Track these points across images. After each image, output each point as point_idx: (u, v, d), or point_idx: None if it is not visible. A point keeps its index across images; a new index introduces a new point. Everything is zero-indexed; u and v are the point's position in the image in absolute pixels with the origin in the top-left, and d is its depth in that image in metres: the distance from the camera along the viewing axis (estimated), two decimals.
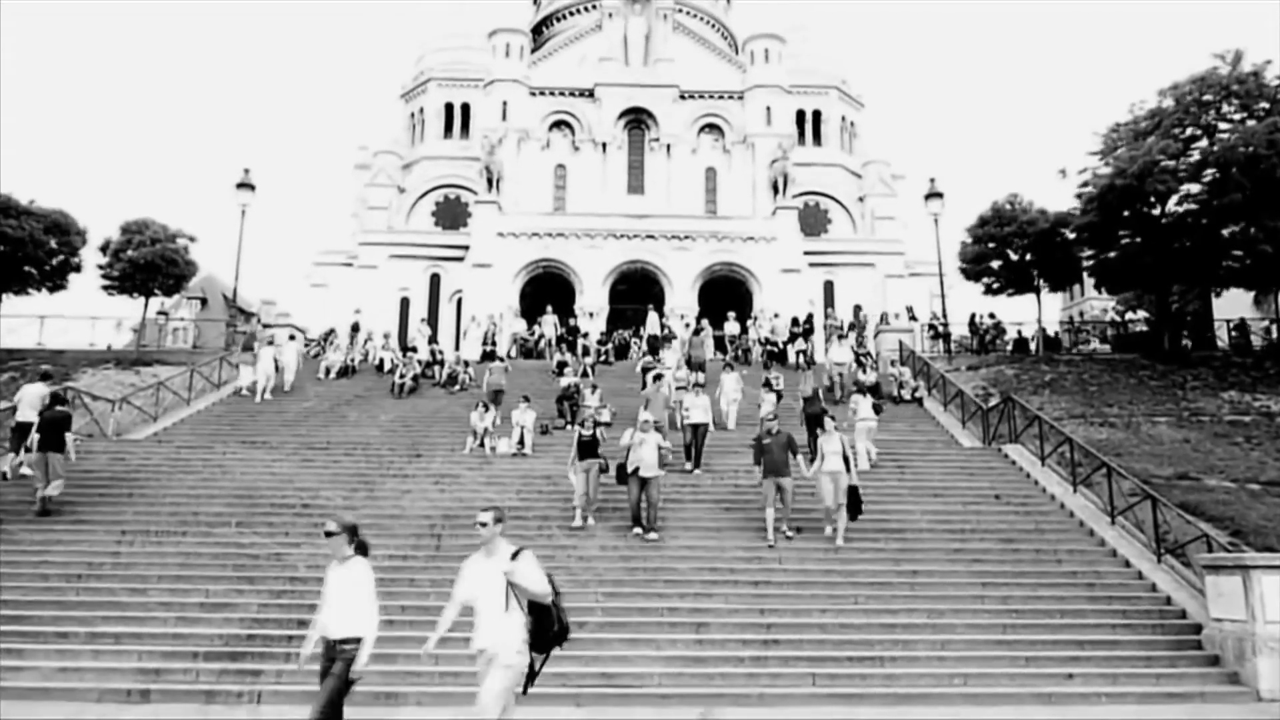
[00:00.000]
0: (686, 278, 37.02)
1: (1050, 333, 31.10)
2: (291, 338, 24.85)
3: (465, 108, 46.51)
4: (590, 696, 8.71)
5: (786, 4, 47.59)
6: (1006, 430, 17.55)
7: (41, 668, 8.96)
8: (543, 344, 29.17)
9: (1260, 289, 28.89)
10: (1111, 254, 26.28)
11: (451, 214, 44.90)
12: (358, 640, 5.80)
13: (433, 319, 38.31)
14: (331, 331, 27.63)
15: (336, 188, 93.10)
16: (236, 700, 8.40)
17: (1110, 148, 25.84)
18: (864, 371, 21.80)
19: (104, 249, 28.81)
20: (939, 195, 28.24)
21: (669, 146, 44.01)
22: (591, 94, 44.59)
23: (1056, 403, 20.84)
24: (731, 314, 30.98)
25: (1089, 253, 27.67)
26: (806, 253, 38.87)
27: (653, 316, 30.33)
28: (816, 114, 47.46)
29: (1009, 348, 28.65)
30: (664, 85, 44.45)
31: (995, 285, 29.65)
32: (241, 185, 27.84)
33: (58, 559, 11.66)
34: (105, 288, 28.92)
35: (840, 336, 24.02)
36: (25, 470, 14.59)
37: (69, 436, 13.57)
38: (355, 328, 27.73)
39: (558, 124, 44.83)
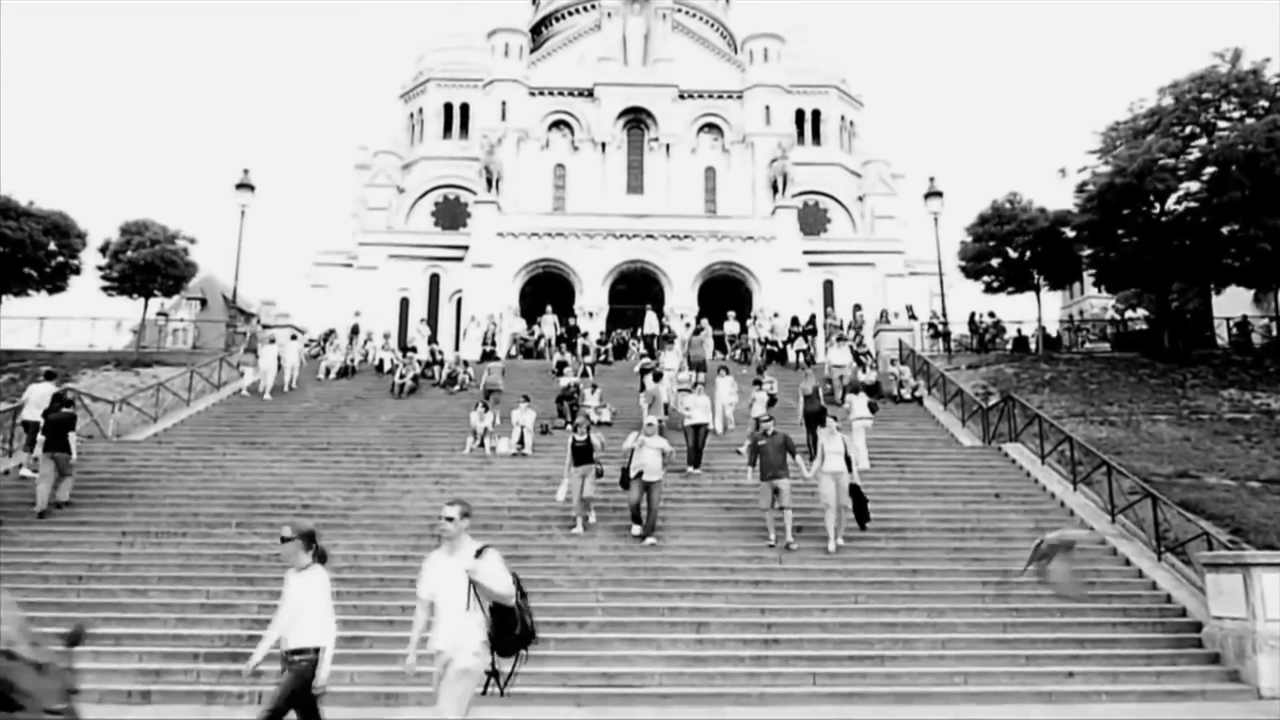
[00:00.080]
0: (686, 277, 37.01)
1: (1050, 331, 31.11)
2: (294, 337, 25.04)
3: (465, 108, 46.50)
4: (591, 696, 8.72)
5: (786, 3, 47.58)
6: (1006, 429, 17.55)
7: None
8: (542, 344, 29.17)
9: (1260, 287, 28.89)
10: (1111, 252, 26.28)
11: (451, 214, 44.88)
12: (313, 650, 5.59)
13: (432, 319, 38.30)
14: (331, 332, 27.63)
15: (336, 188, 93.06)
16: (237, 701, 8.40)
17: (1110, 146, 25.84)
18: (864, 371, 21.80)
19: (104, 250, 28.80)
20: (938, 194, 28.24)
21: (668, 146, 43.98)
22: (591, 94, 44.57)
23: (1056, 401, 20.84)
24: (731, 313, 30.98)
25: (1089, 251, 27.67)
26: (806, 252, 38.85)
27: (650, 316, 30.33)
28: (816, 113, 47.44)
29: (1009, 346, 28.66)
30: (663, 85, 44.42)
31: (995, 284, 29.65)
32: (241, 186, 27.83)
33: (58, 560, 11.66)
34: (105, 289, 28.92)
35: (840, 338, 24.01)
36: (25, 472, 14.65)
37: (72, 436, 13.65)
38: (355, 330, 27.72)
39: (557, 124, 44.81)
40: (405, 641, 9.75)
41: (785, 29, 46.24)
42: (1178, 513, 12.21)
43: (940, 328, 27.95)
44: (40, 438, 13.66)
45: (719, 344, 28.48)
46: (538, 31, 51.19)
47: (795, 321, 28.63)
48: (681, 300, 36.28)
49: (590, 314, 35.69)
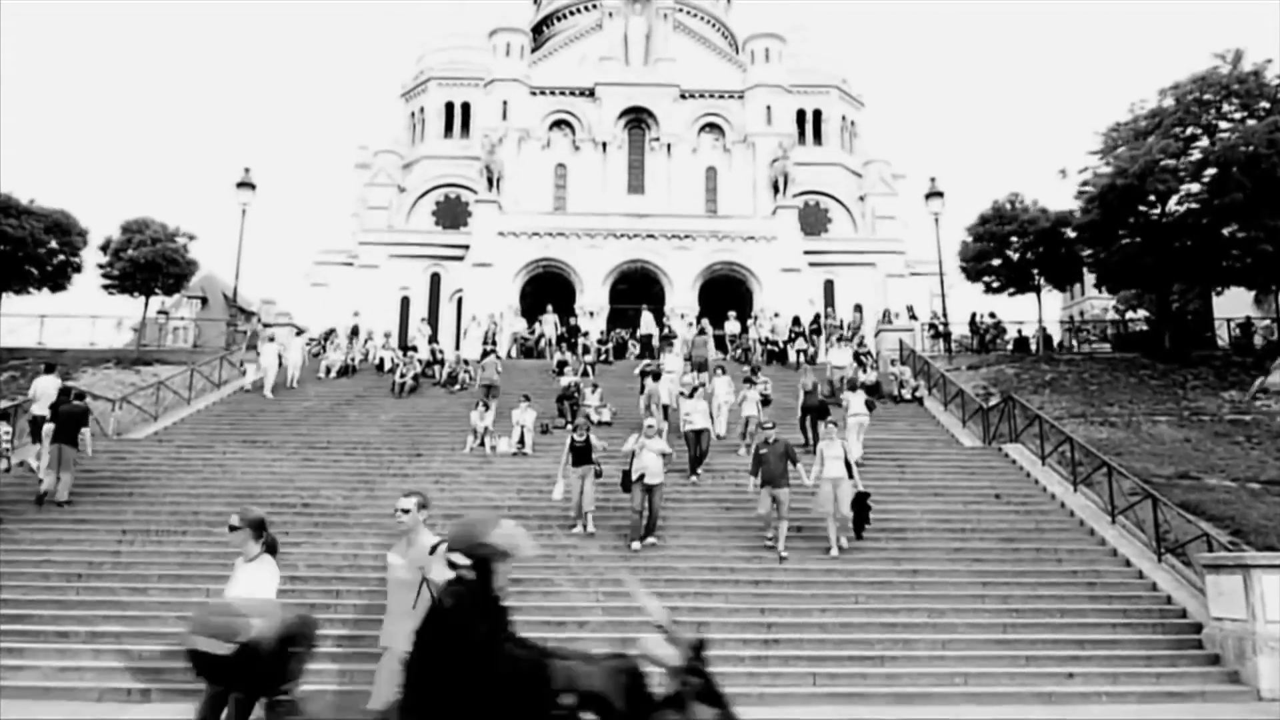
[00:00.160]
0: (687, 277, 37.00)
1: (1051, 332, 31.12)
2: (298, 334, 25.21)
3: (465, 107, 46.48)
4: None
5: (787, 3, 47.53)
6: (1007, 429, 17.55)
7: (42, 667, 8.96)
8: (543, 343, 29.18)
9: (1261, 288, 28.90)
10: (1112, 253, 26.28)
11: (452, 213, 44.87)
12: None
13: (433, 318, 38.30)
14: (332, 331, 27.64)
15: (337, 187, 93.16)
16: None
17: (1111, 147, 25.85)
18: (864, 371, 21.78)
19: (104, 248, 28.82)
20: (939, 194, 28.24)
21: (669, 146, 43.97)
22: (592, 93, 44.57)
23: (1057, 402, 20.83)
24: (732, 313, 30.97)
25: (1089, 252, 27.68)
26: (807, 252, 38.83)
27: (647, 316, 30.35)
28: (817, 113, 47.41)
29: (1009, 347, 28.66)
30: (664, 85, 44.41)
31: (996, 284, 29.66)
32: (242, 184, 27.86)
33: (58, 558, 11.67)
34: (106, 287, 28.94)
35: (840, 339, 24.00)
36: (33, 463, 14.79)
37: (85, 432, 13.82)
38: (355, 331, 27.70)
39: (558, 123, 44.80)
40: None
41: (786, 29, 46.22)
42: (1178, 514, 12.20)
43: (941, 328, 27.96)
44: (49, 428, 13.77)
45: (719, 344, 28.48)
46: (539, 31, 51.19)
47: (796, 321, 28.63)
48: (682, 300, 36.27)
49: (591, 313, 35.68)
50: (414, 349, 26.30)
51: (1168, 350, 25.77)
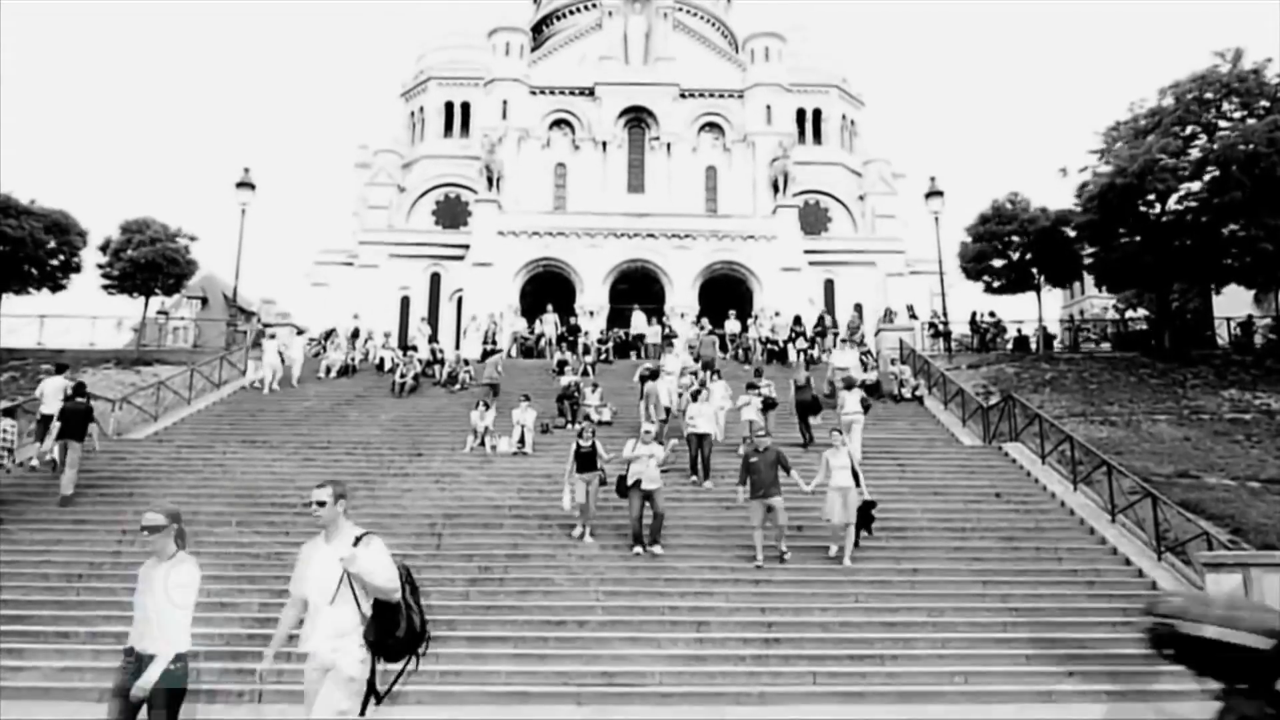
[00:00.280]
0: (687, 276, 37.01)
1: (1051, 331, 31.11)
2: (300, 333, 25.45)
3: (465, 106, 46.48)
4: (591, 695, 8.72)
5: (787, 3, 47.57)
6: (1007, 428, 17.55)
7: (42, 667, 8.96)
8: (543, 343, 29.21)
9: (1260, 287, 28.90)
10: (1112, 252, 26.27)
11: (452, 213, 44.87)
12: (181, 655, 4.93)
13: (433, 318, 38.31)
14: (332, 331, 27.65)
15: (337, 187, 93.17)
16: (237, 699, 8.41)
17: (1111, 146, 25.84)
18: (864, 370, 21.76)
19: (104, 248, 28.80)
20: (939, 194, 28.24)
21: (669, 145, 43.97)
22: (592, 93, 44.57)
23: (1057, 401, 20.84)
24: (732, 312, 31.00)
25: (1089, 251, 27.67)
26: (807, 251, 38.84)
27: (638, 317, 30.35)
28: (817, 112, 47.40)
29: (1009, 346, 28.66)
30: (664, 84, 44.41)
31: (996, 284, 29.65)
32: (241, 184, 27.85)
33: (58, 559, 11.67)
34: (105, 287, 28.92)
35: (843, 341, 23.97)
36: (35, 464, 14.90)
37: (92, 428, 14.09)
38: (355, 333, 27.67)
39: (558, 123, 44.80)
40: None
41: (786, 28, 46.24)
42: (1178, 513, 12.21)
43: (941, 327, 27.96)
44: (56, 425, 14.05)
45: (720, 343, 28.51)
46: (539, 30, 51.19)
47: (798, 320, 28.64)
48: (682, 299, 36.29)
49: (591, 313, 35.68)
50: (414, 349, 26.32)
51: (1168, 349, 25.77)
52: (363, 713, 4.80)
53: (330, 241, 44.07)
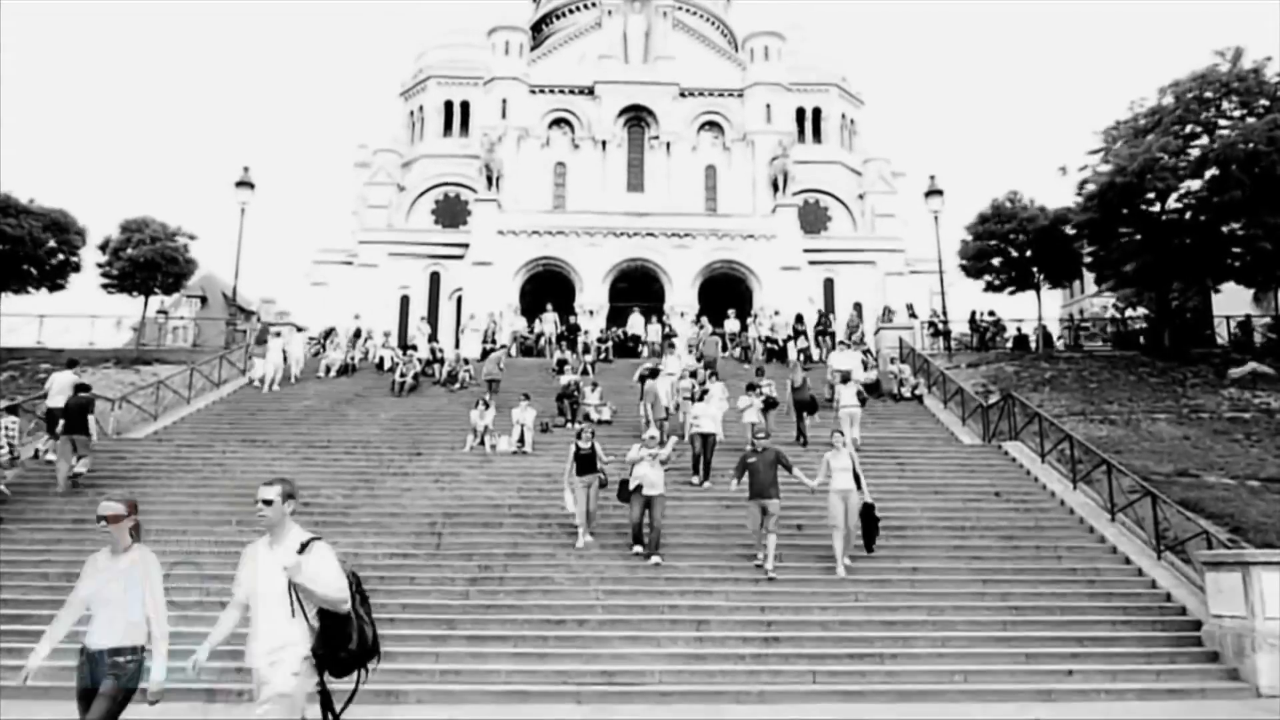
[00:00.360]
0: (686, 275, 37.01)
1: (1050, 330, 31.10)
2: (300, 330, 25.84)
3: (465, 105, 46.46)
4: (591, 694, 8.72)
5: (786, 2, 47.53)
6: (1006, 427, 17.55)
7: (42, 667, 8.94)
8: (543, 342, 29.21)
9: (1260, 286, 28.90)
10: (1112, 251, 26.27)
11: (451, 212, 44.85)
12: (137, 650, 4.70)
13: (433, 317, 38.30)
14: (332, 330, 27.66)
15: (336, 186, 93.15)
16: (237, 699, 8.39)
17: (1110, 145, 25.84)
18: (864, 369, 21.75)
19: (103, 247, 28.80)
20: (939, 192, 28.24)
21: (669, 144, 43.96)
22: (591, 92, 44.56)
23: (1056, 400, 20.84)
24: (731, 311, 31.00)
25: (1089, 250, 27.67)
26: (806, 250, 38.84)
27: (635, 318, 30.32)
28: (816, 111, 47.39)
29: (1009, 345, 28.67)
30: (664, 83, 44.39)
31: (995, 282, 29.65)
32: (241, 184, 27.85)
33: (58, 559, 11.66)
34: (105, 286, 28.92)
35: (841, 342, 23.94)
36: (50, 456, 15.19)
37: (91, 419, 14.41)
38: (357, 334, 27.68)
39: (557, 122, 44.79)
40: (406, 639, 9.89)
41: (786, 27, 46.22)
42: (1177, 511, 12.20)
43: (940, 326, 27.96)
44: (61, 421, 14.45)
45: (720, 343, 28.51)
46: (538, 29, 51.17)
47: (800, 319, 28.64)
48: (682, 298, 36.30)
49: (590, 312, 35.68)
50: (414, 348, 26.33)
51: (1167, 348, 25.77)
52: None
53: (330, 241, 44.12)
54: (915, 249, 41.17)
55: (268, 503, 4.52)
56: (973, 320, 30.01)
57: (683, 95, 44.77)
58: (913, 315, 30.27)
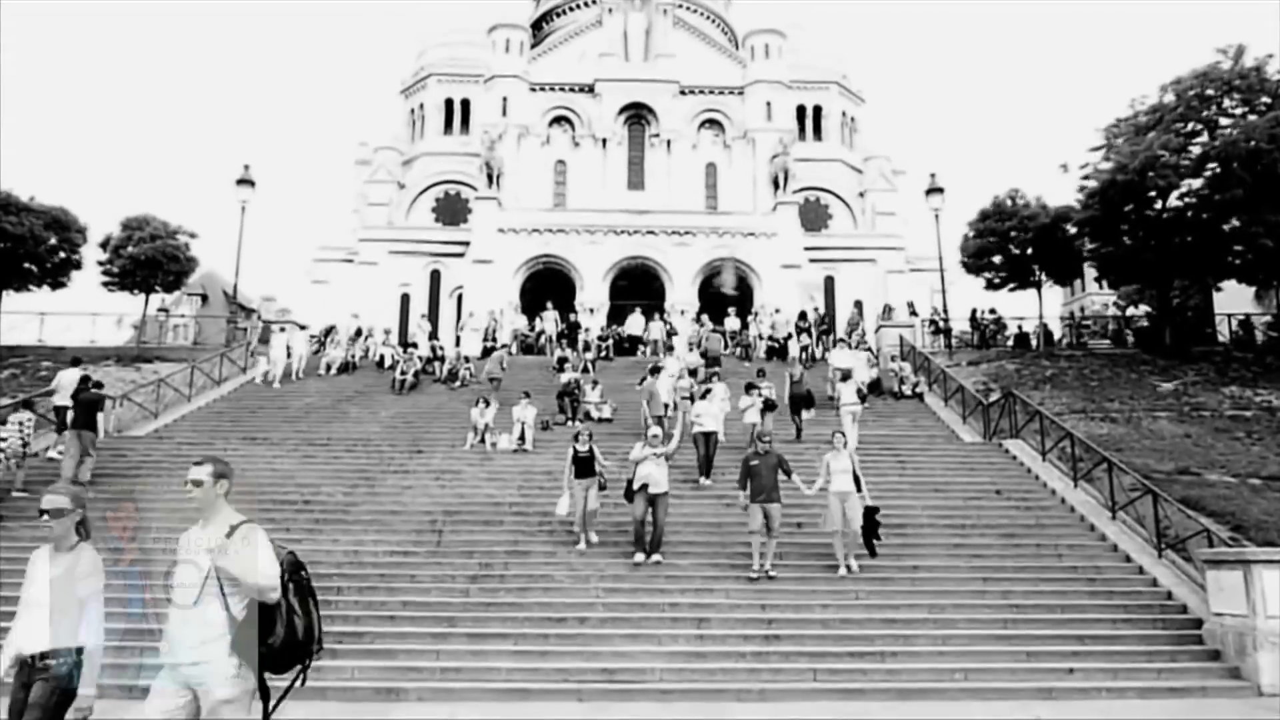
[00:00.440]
0: (687, 273, 36.99)
1: (1051, 328, 31.10)
2: (302, 328, 26.00)
3: (465, 103, 46.42)
4: (592, 692, 8.72)
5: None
6: (1007, 425, 17.55)
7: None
8: (543, 340, 29.21)
9: (1261, 284, 28.88)
10: (1113, 249, 26.25)
11: (452, 210, 44.83)
12: (70, 652, 4.26)
13: (433, 315, 38.28)
14: (333, 328, 27.66)
15: (337, 184, 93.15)
16: None
17: (1112, 143, 25.82)
18: (868, 367, 21.75)
19: (104, 245, 28.79)
20: (940, 190, 28.22)
21: (669, 142, 43.93)
22: (592, 90, 44.53)
23: (1057, 398, 20.84)
24: (732, 309, 30.99)
25: (1090, 247, 27.65)
26: (807, 248, 38.81)
27: (635, 318, 30.29)
28: (817, 109, 47.34)
29: (1010, 343, 28.66)
30: (664, 81, 44.35)
31: (996, 280, 29.64)
32: (241, 181, 27.84)
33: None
34: (106, 284, 28.91)
35: (842, 341, 23.88)
36: (53, 454, 15.38)
37: (100, 417, 14.56)
38: (358, 333, 27.67)
39: (558, 120, 44.76)
40: (407, 637, 9.89)
41: (786, 25, 46.18)
42: (1178, 509, 12.20)
43: (941, 324, 27.96)
44: (69, 415, 14.54)
45: (721, 340, 28.49)
46: (538, 27, 51.12)
47: (803, 316, 28.62)
48: (682, 296, 36.29)
49: (591, 310, 35.67)
50: (414, 346, 26.33)
51: (1168, 346, 25.76)
52: None
53: (330, 238, 43.97)
54: (916, 247, 41.13)
55: (196, 483, 4.16)
56: (973, 318, 29.99)
57: (683, 93, 44.73)
58: (913, 313, 30.27)
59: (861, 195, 45.68)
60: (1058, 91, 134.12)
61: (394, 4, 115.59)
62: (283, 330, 23.54)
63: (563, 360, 22.68)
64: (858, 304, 37.89)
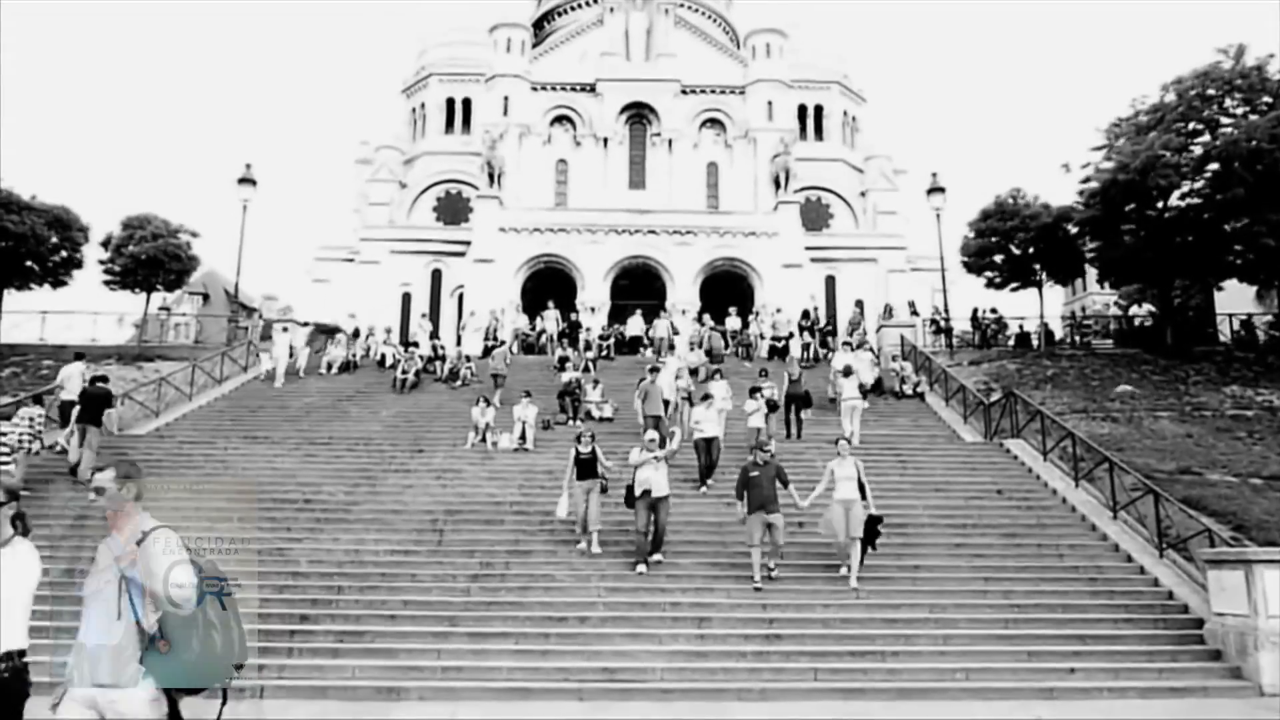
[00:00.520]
0: (688, 273, 36.96)
1: (1052, 328, 31.07)
2: (305, 325, 25.98)
3: (466, 103, 46.41)
4: (593, 691, 8.72)
5: None
6: (1008, 425, 17.53)
7: (44, 663, 8.95)
8: (544, 339, 29.20)
9: (1263, 283, 28.86)
10: (1114, 248, 26.24)
11: (453, 209, 44.82)
12: (11, 655, 4.08)
13: (434, 314, 38.25)
14: (335, 327, 27.67)
15: (338, 183, 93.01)
16: (239, 696, 8.40)
17: (1113, 142, 25.81)
18: (871, 368, 21.73)
19: (106, 244, 28.82)
20: (941, 190, 28.18)
21: (670, 141, 43.91)
22: (593, 89, 44.51)
23: (1058, 397, 20.82)
24: (733, 309, 30.96)
25: (1091, 247, 27.65)
26: (808, 248, 38.76)
27: (636, 320, 30.25)
28: (818, 109, 47.30)
29: (1011, 342, 28.64)
30: (665, 80, 44.32)
31: (997, 280, 29.63)
32: (243, 180, 27.84)
33: (61, 555, 11.65)
34: (107, 283, 28.94)
35: (845, 344, 23.85)
36: (59, 446, 15.54)
37: (110, 412, 14.76)
38: (356, 333, 27.67)
39: (559, 119, 44.73)
40: (408, 636, 9.90)
41: (788, 24, 46.12)
42: (1179, 509, 12.19)
43: (942, 323, 27.94)
44: (76, 409, 14.78)
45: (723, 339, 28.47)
46: (540, 26, 51.10)
47: (806, 315, 28.59)
48: (683, 296, 36.25)
49: (592, 309, 35.63)
50: (415, 345, 26.33)
51: (1170, 346, 25.74)
52: None
53: (331, 238, 43.94)
54: (917, 246, 41.06)
55: (99, 491, 3.88)
56: (975, 318, 29.97)
57: (684, 92, 44.69)
58: (914, 313, 30.24)
59: (863, 195, 45.63)
60: (1059, 91, 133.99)
61: (395, 4, 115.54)
62: (285, 330, 23.62)
63: (564, 359, 22.69)
64: (859, 303, 37.84)
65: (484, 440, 16.87)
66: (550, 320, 29.82)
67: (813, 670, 9.15)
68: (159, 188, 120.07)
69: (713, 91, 45.17)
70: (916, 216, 41.05)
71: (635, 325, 29.96)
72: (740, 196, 42.78)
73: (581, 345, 26.60)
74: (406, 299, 40.39)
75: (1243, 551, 10.02)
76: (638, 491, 11.46)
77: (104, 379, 15.75)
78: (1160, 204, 25.09)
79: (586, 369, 22.55)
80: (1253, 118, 23.56)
